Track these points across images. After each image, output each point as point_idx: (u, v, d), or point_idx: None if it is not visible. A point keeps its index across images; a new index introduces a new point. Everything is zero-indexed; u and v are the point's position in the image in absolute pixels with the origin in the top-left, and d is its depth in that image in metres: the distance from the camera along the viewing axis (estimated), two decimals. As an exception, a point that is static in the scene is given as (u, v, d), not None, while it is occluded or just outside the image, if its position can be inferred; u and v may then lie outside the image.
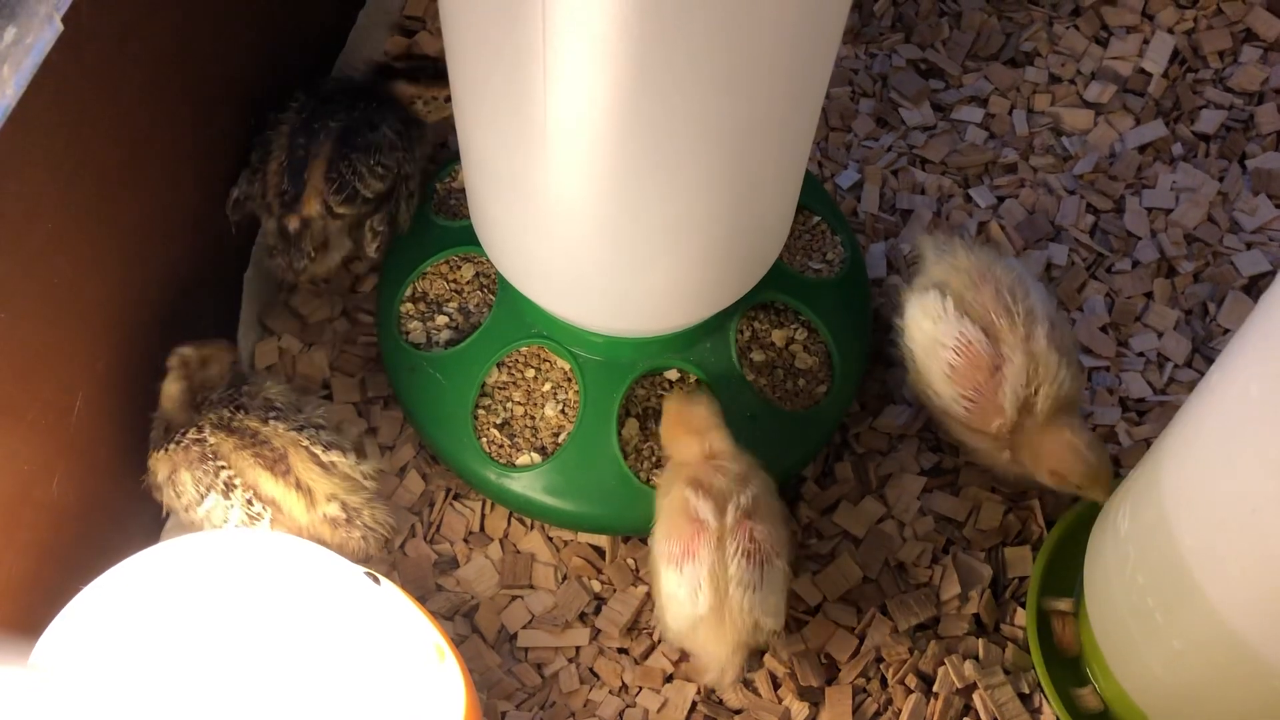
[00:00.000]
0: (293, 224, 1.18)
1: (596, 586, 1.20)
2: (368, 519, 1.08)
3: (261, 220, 1.23)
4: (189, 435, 1.06)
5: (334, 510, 1.06)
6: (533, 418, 1.18)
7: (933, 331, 1.11)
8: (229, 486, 1.05)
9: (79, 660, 0.83)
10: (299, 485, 1.05)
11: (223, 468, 1.05)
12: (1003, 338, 1.09)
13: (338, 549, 1.06)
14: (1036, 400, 1.08)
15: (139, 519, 1.16)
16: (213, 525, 1.06)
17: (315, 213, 1.18)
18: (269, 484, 1.05)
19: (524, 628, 1.18)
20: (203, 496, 1.05)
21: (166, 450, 1.07)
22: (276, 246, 1.20)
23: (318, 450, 1.06)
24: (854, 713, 1.13)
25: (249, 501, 1.05)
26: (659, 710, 1.14)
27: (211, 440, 1.05)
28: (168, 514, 1.18)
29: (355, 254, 1.25)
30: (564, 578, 1.20)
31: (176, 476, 1.06)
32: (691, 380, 1.18)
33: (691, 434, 1.07)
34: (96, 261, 1.03)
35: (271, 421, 1.06)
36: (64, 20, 0.89)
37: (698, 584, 1.00)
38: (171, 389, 1.09)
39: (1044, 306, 1.11)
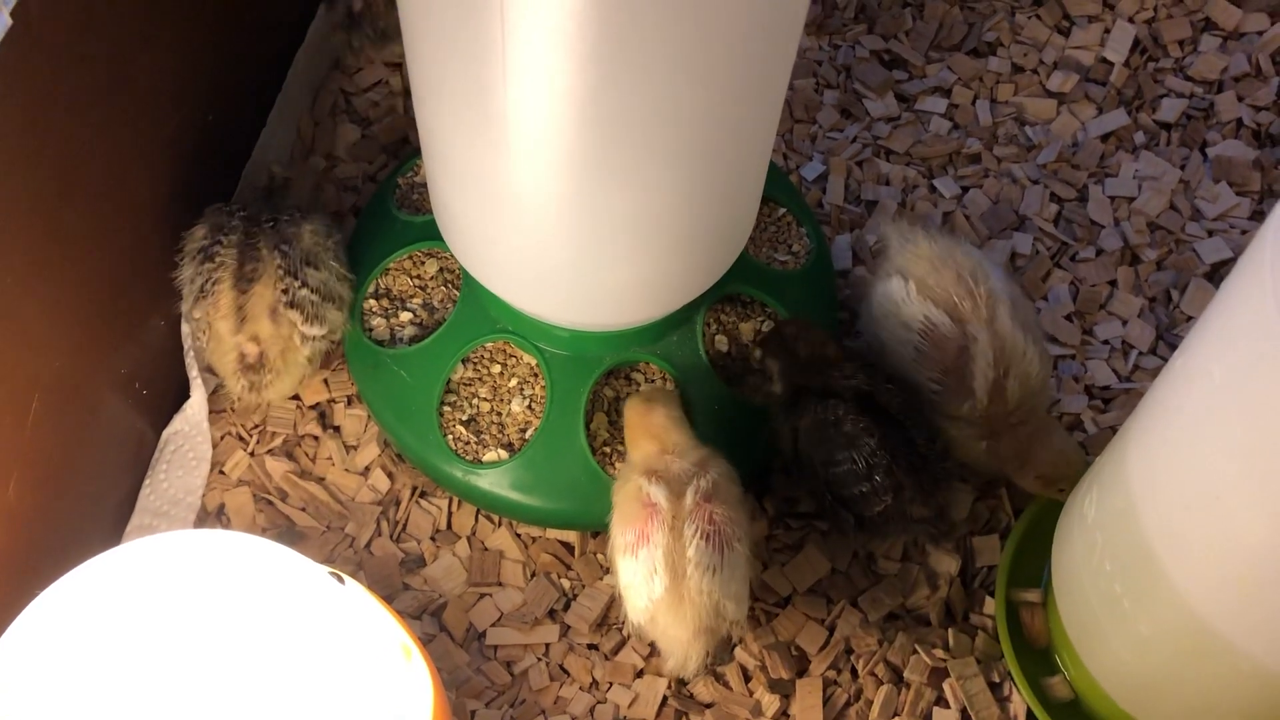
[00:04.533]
0: (357, 4, 1.29)
1: (566, 583, 1.19)
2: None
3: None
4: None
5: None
6: (499, 414, 1.17)
7: (897, 316, 1.12)
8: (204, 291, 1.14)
9: (37, 664, 0.82)
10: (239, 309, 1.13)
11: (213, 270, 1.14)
12: (966, 319, 1.10)
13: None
14: (1007, 384, 1.09)
15: (98, 524, 1.15)
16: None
17: None
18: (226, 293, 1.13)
19: (493, 625, 1.17)
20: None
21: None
22: (342, 24, 1.31)
23: (295, 318, 1.13)
24: (825, 704, 1.13)
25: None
26: (630, 706, 1.13)
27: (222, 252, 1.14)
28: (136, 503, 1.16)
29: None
30: (533, 574, 1.19)
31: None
32: (667, 382, 1.18)
33: (650, 437, 1.07)
34: (49, 261, 1.01)
35: (279, 252, 1.13)
36: (12, 14, 0.87)
37: (653, 567, 0.99)
38: None
39: (1005, 289, 1.12)
